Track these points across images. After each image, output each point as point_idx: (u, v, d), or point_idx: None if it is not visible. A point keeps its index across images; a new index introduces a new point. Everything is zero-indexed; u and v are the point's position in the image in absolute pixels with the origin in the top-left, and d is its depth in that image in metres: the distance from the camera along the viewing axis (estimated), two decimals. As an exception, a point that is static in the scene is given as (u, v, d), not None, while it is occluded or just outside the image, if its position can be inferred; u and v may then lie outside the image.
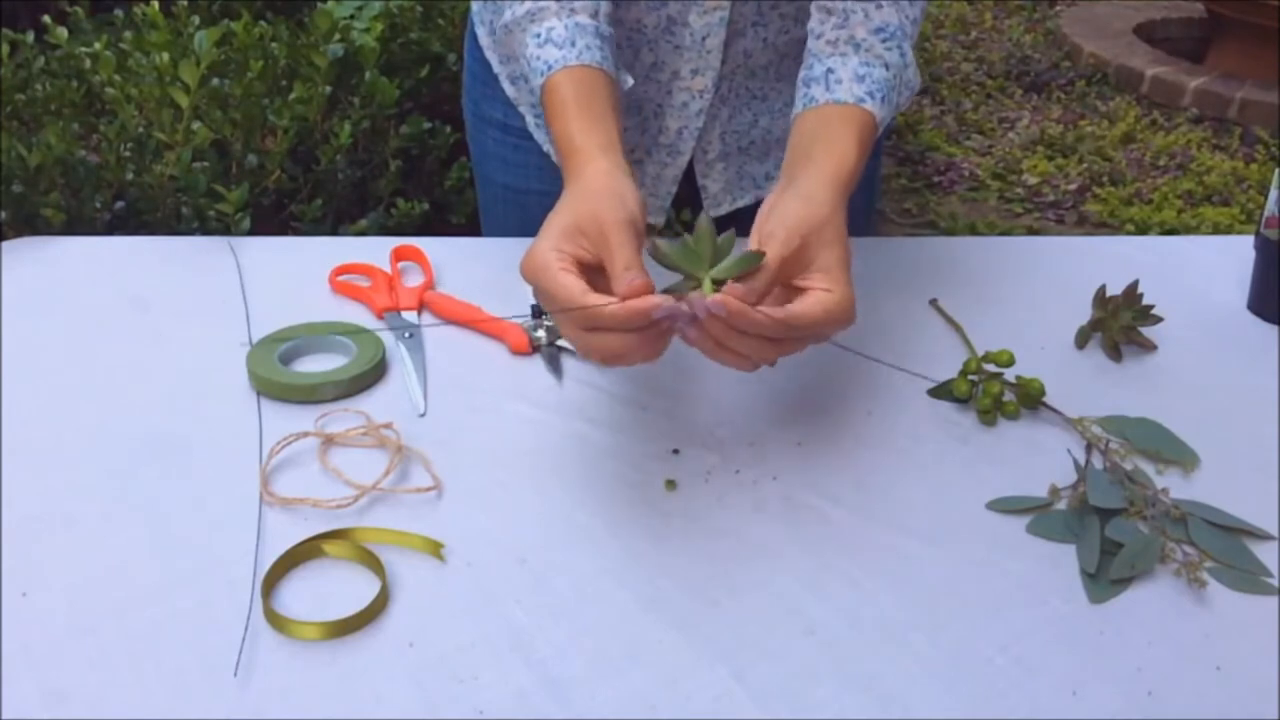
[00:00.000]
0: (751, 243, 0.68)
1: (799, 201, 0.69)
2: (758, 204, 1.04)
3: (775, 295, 0.68)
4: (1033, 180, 3.18)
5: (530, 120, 1.04)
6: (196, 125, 1.20)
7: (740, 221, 0.99)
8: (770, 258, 0.65)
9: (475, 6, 1.05)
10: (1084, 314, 0.89)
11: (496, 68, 1.04)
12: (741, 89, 0.96)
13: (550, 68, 0.77)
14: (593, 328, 0.63)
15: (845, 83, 0.76)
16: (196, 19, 1.43)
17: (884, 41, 0.78)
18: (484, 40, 1.04)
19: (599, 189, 0.69)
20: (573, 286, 0.63)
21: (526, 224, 1.07)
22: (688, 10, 0.88)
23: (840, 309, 0.66)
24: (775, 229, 0.67)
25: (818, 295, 0.66)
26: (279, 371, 0.80)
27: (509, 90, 1.04)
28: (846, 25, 0.78)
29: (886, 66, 0.78)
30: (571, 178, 0.72)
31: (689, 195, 1.04)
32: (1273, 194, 0.90)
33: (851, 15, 0.78)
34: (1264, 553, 0.67)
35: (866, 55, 0.77)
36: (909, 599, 0.63)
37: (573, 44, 0.77)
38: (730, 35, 0.90)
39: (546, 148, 1.04)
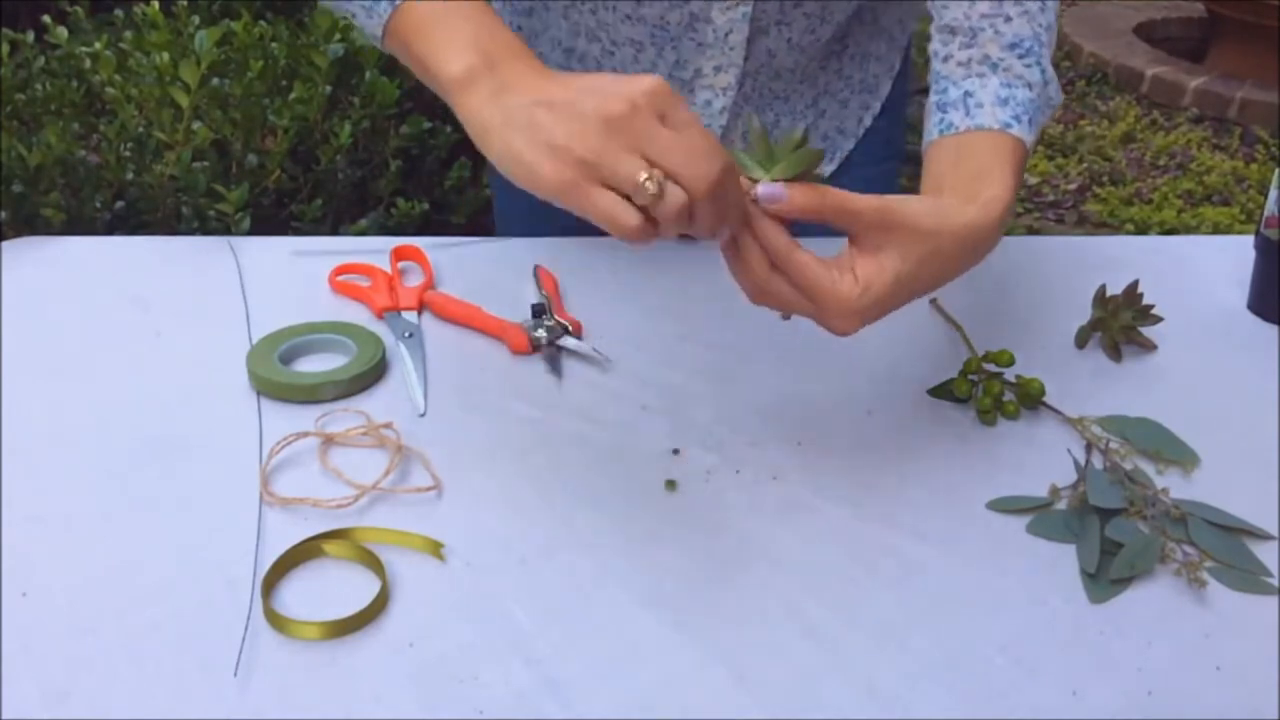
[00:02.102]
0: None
1: (931, 204, 0.64)
2: None
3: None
4: (1033, 180, 3.18)
5: None
6: (196, 125, 1.20)
7: None
8: (857, 202, 0.61)
9: None
10: (1084, 314, 0.89)
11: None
12: (765, 89, 0.96)
13: None
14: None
15: (987, 107, 0.71)
16: (196, 19, 1.44)
17: (1022, 59, 0.73)
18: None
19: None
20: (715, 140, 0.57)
21: (540, 226, 1.06)
22: (710, 7, 0.87)
23: (846, 307, 0.61)
24: (895, 197, 0.62)
25: (846, 281, 0.61)
26: (279, 371, 0.80)
27: None
28: (976, 44, 0.73)
29: (1029, 86, 0.72)
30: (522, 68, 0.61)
31: None
32: (1273, 194, 0.90)
33: (980, 33, 0.73)
34: (1264, 553, 0.67)
35: (1006, 75, 0.72)
36: (909, 599, 0.63)
37: None
38: (753, 33, 0.89)
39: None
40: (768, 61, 0.93)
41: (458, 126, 1.54)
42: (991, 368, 0.81)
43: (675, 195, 0.55)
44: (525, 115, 0.58)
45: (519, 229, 1.07)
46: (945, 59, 0.75)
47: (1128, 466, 0.73)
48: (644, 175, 0.55)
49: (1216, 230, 2.86)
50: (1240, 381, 0.84)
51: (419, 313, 0.90)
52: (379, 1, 0.68)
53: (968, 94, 0.72)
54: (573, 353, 0.85)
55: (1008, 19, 0.73)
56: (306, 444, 0.74)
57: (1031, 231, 2.90)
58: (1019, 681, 0.58)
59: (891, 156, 1.09)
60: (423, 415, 0.78)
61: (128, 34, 1.42)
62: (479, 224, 1.18)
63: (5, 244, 0.99)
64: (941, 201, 0.65)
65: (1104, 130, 3.47)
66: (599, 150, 0.55)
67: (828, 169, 1.06)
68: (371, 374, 0.81)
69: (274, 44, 1.50)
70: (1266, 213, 0.90)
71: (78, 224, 1.17)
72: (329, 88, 1.45)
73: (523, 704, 0.56)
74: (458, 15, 0.65)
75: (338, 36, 1.51)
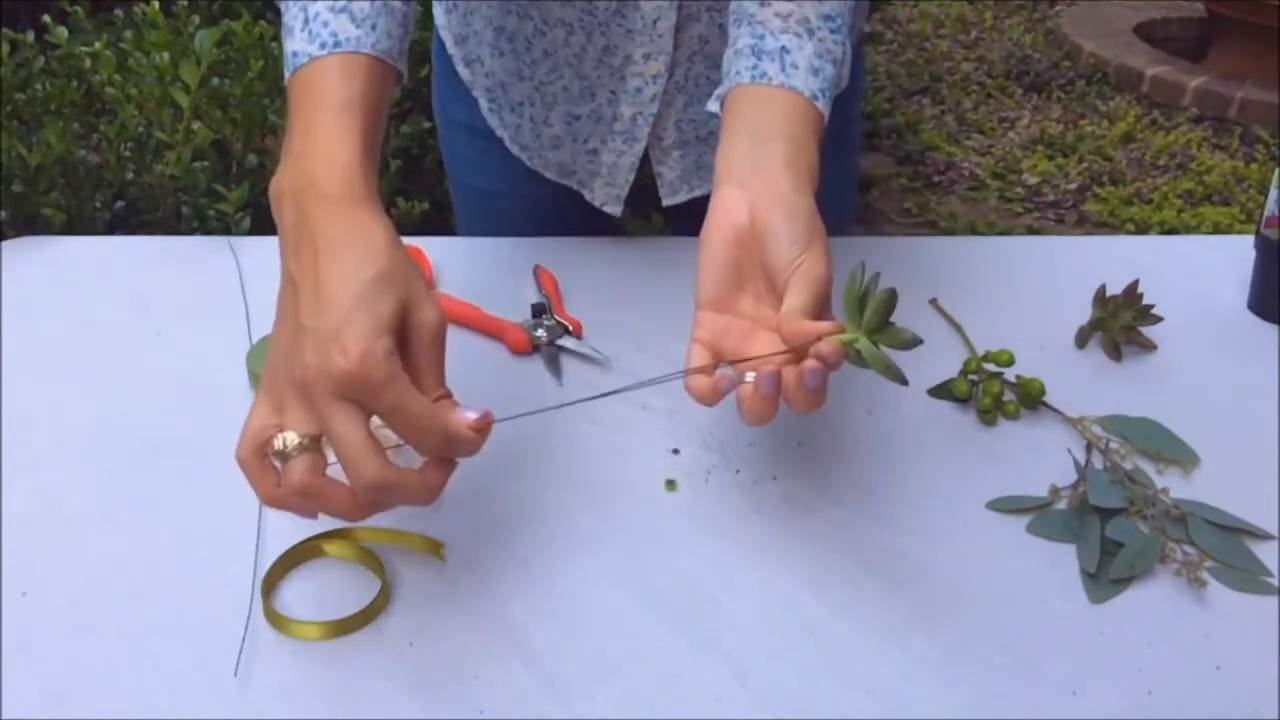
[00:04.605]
0: (705, 239, 0.65)
1: (784, 215, 0.63)
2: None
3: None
4: (1033, 180, 3.19)
5: (485, 105, 1.01)
6: (196, 125, 1.20)
7: (696, 210, 0.97)
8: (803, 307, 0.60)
9: None
10: (1084, 314, 0.89)
11: (450, 48, 1.01)
12: (700, 78, 0.94)
13: (337, 45, 0.65)
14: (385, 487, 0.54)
15: (802, 71, 0.71)
16: (196, 19, 1.43)
17: (833, 33, 0.73)
18: (440, 20, 1.02)
19: (397, 263, 0.58)
20: (430, 409, 0.55)
21: (501, 228, 1.06)
22: None
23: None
24: (802, 281, 0.61)
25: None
26: (279, 371, 0.79)
27: (463, 73, 1.01)
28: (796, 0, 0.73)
29: (834, 63, 0.73)
30: (353, 221, 0.58)
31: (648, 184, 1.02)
32: (1273, 194, 0.90)
33: None
34: (1264, 553, 0.67)
35: (819, 45, 0.72)
36: (909, 599, 0.63)
37: (373, 26, 0.66)
38: (683, 20, 0.88)
39: (509, 144, 1.03)
40: (700, 49, 0.91)
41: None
42: (991, 368, 0.81)
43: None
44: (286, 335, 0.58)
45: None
46: (764, 3, 0.74)
47: (1128, 466, 0.73)
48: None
49: (1216, 230, 2.86)
50: (1240, 381, 0.84)
51: (419, 313, 0.89)
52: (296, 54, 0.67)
53: (785, 50, 0.72)
54: (573, 353, 0.85)
55: None
56: (306, 444, 0.74)
57: (1031, 231, 2.91)
58: (1019, 681, 0.58)
59: (845, 155, 1.09)
60: (423, 415, 0.78)
61: (128, 34, 1.42)
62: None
63: (5, 244, 0.99)
64: (781, 198, 0.65)
65: (1104, 130, 3.47)
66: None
67: None
68: (371, 374, 0.80)
69: (274, 44, 1.50)
70: (1266, 213, 0.90)
71: (78, 224, 1.18)
72: (329, 88, 1.44)
73: (523, 704, 0.56)
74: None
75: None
